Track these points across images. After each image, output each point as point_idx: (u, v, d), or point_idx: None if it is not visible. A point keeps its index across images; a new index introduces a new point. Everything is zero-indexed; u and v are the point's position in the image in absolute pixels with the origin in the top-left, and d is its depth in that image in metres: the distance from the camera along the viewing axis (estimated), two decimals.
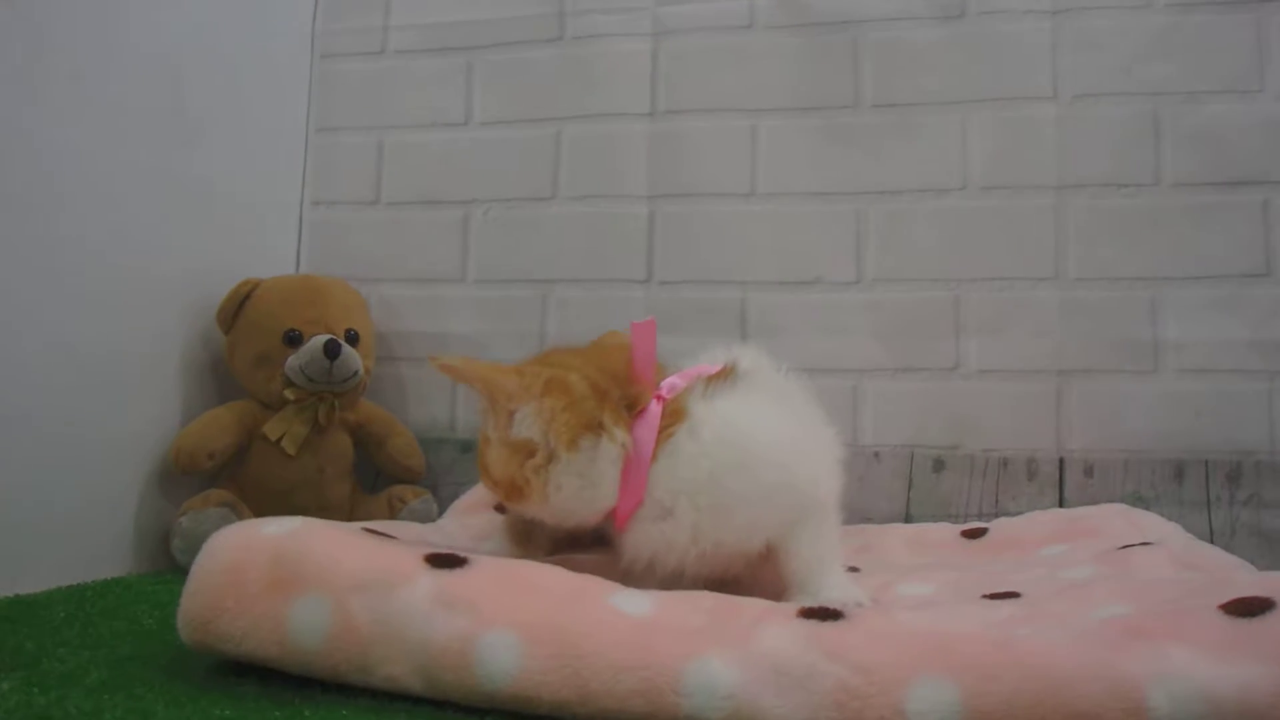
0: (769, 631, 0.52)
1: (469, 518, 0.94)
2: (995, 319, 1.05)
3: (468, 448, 1.14)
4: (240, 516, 0.94)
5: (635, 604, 0.55)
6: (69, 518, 0.85)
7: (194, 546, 0.88)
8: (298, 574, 0.55)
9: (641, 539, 0.63)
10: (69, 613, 0.72)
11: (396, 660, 0.52)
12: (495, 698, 0.50)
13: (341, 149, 1.21)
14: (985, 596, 0.67)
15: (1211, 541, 0.97)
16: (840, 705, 0.47)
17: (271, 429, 1.00)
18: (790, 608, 0.55)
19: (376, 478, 1.11)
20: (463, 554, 0.58)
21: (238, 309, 1.03)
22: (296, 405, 1.01)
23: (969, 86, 1.06)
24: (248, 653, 0.54)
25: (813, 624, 0.52)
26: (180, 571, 0.91)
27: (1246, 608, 0.50)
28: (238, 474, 1.01)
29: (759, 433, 0.64)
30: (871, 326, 1.07)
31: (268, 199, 1.17)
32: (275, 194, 1.18)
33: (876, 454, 1.06)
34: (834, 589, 0.62)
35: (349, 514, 1.05)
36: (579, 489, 0.62)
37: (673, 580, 0.63)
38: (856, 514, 1.03)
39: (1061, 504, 1.01)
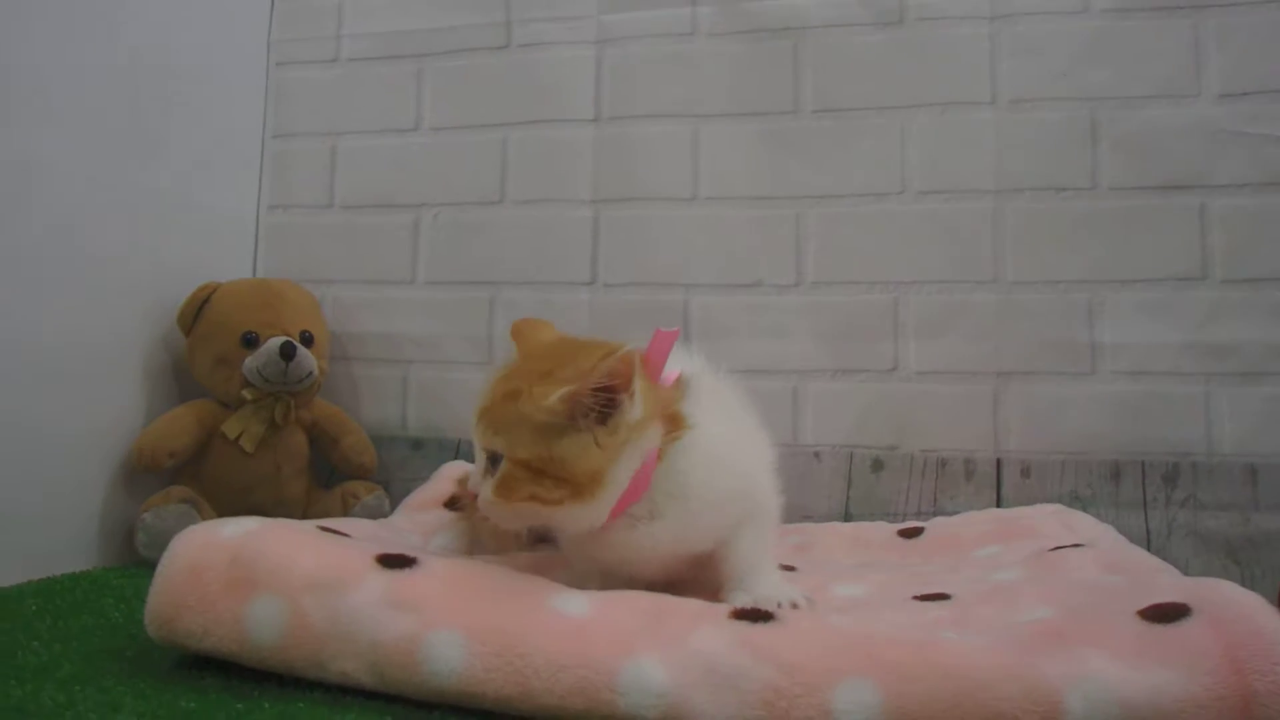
0: (702, 632, 0.54)
1: (420, 514, 0.97)
2: (934, 321, 1.06)
3: (418, 445, 1.16)
4: (201, 512, 0.97)
5: (574, 605, 0.57)
6: (35, 513, 0.87)
7: (157, 541, 0.93)
8: (253, 575, 0.57)
9: (627, 538, 0.62)
10: (39, 606, 0.75)
11: (349, 657, 0.55)
12: (443, 693, 0.53)
13: (296, 154, 1.23)
14: (915, 598, 0.69)
15: (1148, 542, 0.98)
16: (768, 704, 0.49)
17: (230, 428, 1.03)
18: (723, 609, 0.57)
19: (331, 474, 1.14)
20: (412, 554, 0.60)
21: (197, 312, 1.06)
22: (254, 405, 1.04)
23: (908, 92, 1.07)
24: (209, 649, 0.57)
25: (744, 625, 0.55)
26: (145, 566, 0.94)
27: (1163, 614, 0.52)
28: (198, 471, 1.03)
29: (731, 440, 0.66)
30: (811, 328, 1.08)
31: (225, 204, 1.20)
32: (233, 199, 1.21)
33: (816, 454, 1.07)
34: (768, 587, 0.64)
35: (305, 509, 1.07)
36: (620, 484, 0.59)
37: (631, 580, 0.64)
38: (796, 512, 1.04)
39: (999, 504, 1.02)
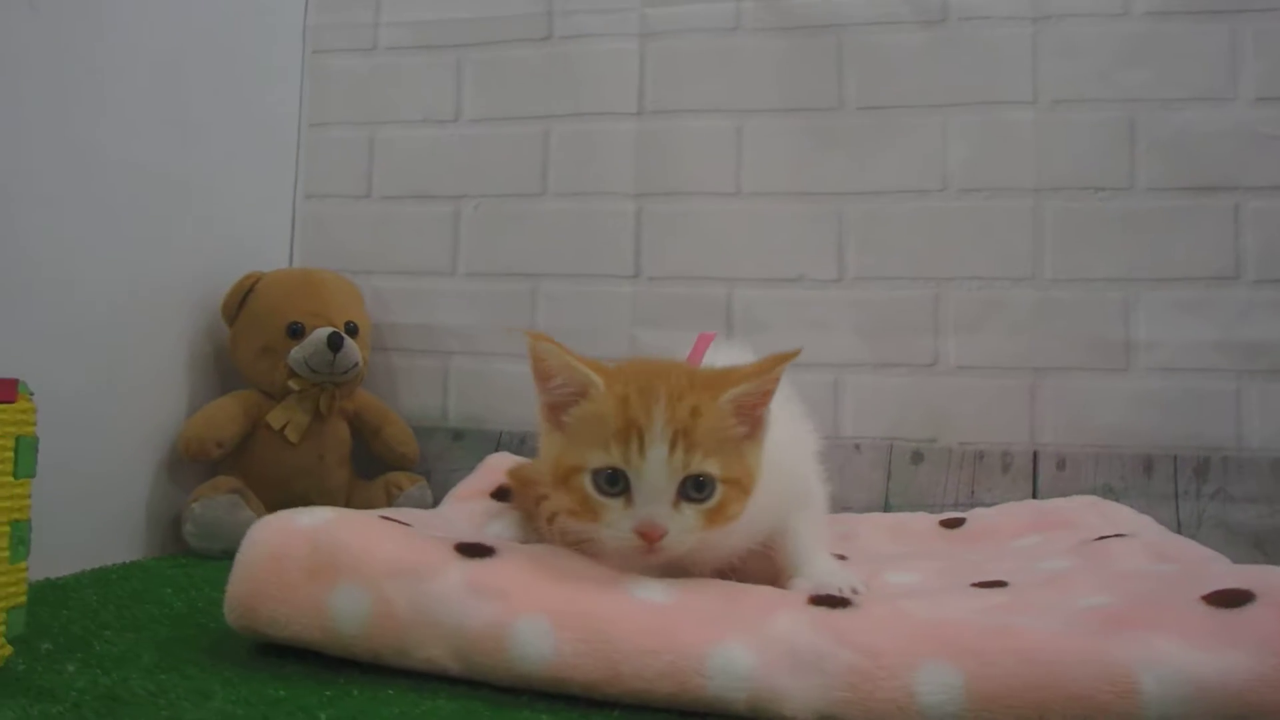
0: (781, 618, 0.55)
1: (468, 504, 0.97)
2: (973, 317, 1.08)
3: (459, 435, 1.17)
4: (248, 503, 0.98)
5: (655, 592, 0.57)
6: (83, 504, 0.87)
7: (205, 531, 0.94)
8: (335, 563, 0.57)
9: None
10: (100, 596, 0.75)
11: (434, 644, 0.55)
12: (530, 679, 0.53)
13: (333, 143, 1.22)
14: (974, 585, 0.70)
15: (1179, 533, 1.01)
16: (853, 686, 0.50)
17: (275, 418, 1.03)
18: (799, 596, 0.58)
19: (371, 465, 1.14)
20: (490, 544, 0.60)
21: (241, 302, 1.05)
22: (299, 395, 1.04)
23: (950, 90, 1.09)
24: (291, 636, 0.57)
25: (822, 611, 0.56)
26: (193, 555, 0.95)
27: (1228, 599, 0.53)
28: (241, 461, 1.03)
29: (783, 433, 0.66)
30: (852, 323, 1.09)
31: (262, 193, 1.19)
32: (269, 188, 1.20)
33: (857, 446, 1.09)
34: (827, 574, 0.65)
35: (347, 500, 1.08)
36: None
37: (686, 572, 0.64)
38: (837, 503, 1.04)
39: (1035, 496, 1.04)
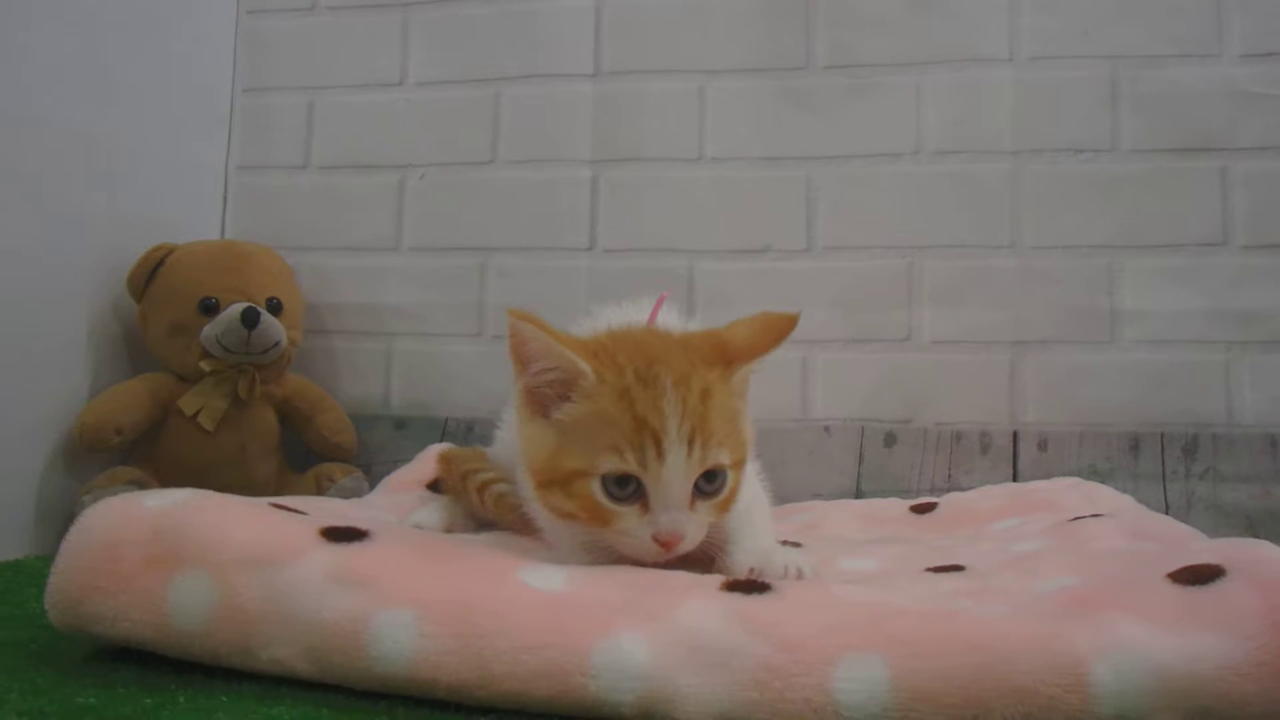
0: (690, 606, 0.48)
1: (400, 494, 0.89)
2: (950, 288, 1.01)
3: (402, 424, 1.09)
4: None
5: (548, 579, 0.51)
6: None
7: None
8: (178, 549, 0.50)
9: None
10: None
11: (283, 642, 0.48)
12: (390, 681, 0.46)
13: (270, 110, 1.14)
14: (929, 570, 0.64)
15: (1167, 515, 0.95)
16: (761, 685, 0.44)
17: (187, 403, 0.95)
18: (715, 580, 0.51)
19: (307, 457, 1.06)
20: (365, 527, 0.53)
21: (150, 276, 0.97)
22: (214, 378, 0.95)
23: (924, 48, 1.03)
24: (121, 635, 0.49)
25: (737, 597, 0.48)
26: None
27: (1196, 575, 0.48)
28: (152, 451, 0.95)
29: None
30: (822, 296, 1.03)
31: (190, 162, 1.11)
32: (198, 157, 1.12)
33: (827, 428, 1.02)
34: (764, 553, 0.58)
35: (275, 493, 0.99)
36: None
37: (622, 559, 0.58)
38: (805, 489, 0.99)
39: (1015, 478, 0.98)
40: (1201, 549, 0.54)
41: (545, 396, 0.54)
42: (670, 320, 0.65)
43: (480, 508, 0.72)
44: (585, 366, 0.53)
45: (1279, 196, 0.96)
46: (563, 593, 0.49)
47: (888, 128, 1.03)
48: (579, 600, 0.49)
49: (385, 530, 0.54)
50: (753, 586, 0.50)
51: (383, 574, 0.49)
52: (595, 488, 0.53)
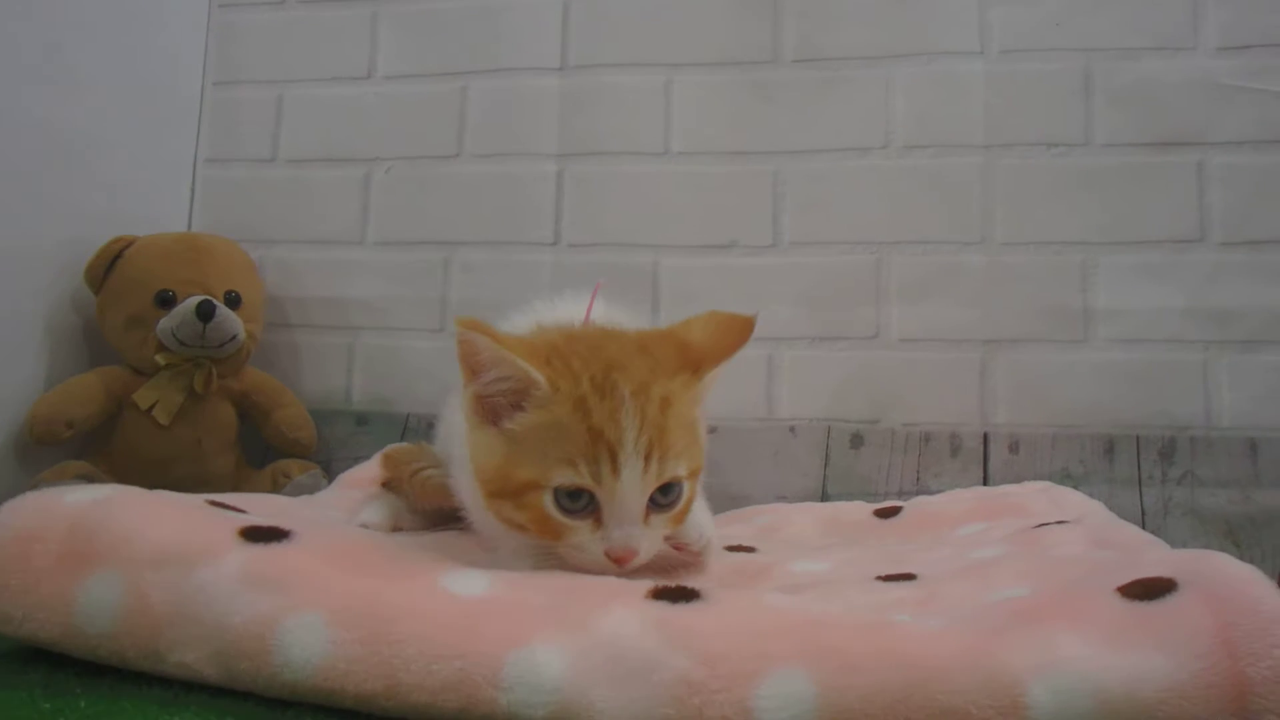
0: (612, 615, 0.45)
1: (354, 491, 0.88)
2: (919, 285, 0.99)
3: (363, 420, 1.07)
4: None
5: (471, 584, 0.49)
6: None
7: None
8: (92, 548, 0.48)
9: None
10: None
11: (191, 645, 0.46)
12: (296, 688, 0.44)
13: (239, 103, 1.14)
14: (879, 578, 0.62)
15: (1142, 522, 0.92)
16: (679, 701, 0.41)
17: (142, 397, 0.93)
18: (643, 587, 0.49)
19: (267, 452, 1.04)
20: (289, 527, 0.51)
21: (108, 268, 0.96)
22: (170, 371, 0.94)
23: (894, 40, 1.01)
24: (29, 635, 0.47)
25: (662, 606, 0.46)
26: None
27: (1147, 590, 0.45)
28: (107, 445, 0.94)
29: None
30: (789, 292, 1.01)
31: (158, 155, 1.10)
32: (166, 150, 1.12)
33: (792, 428, 1.00)
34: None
35: (233, 488, 0.98)
36: None
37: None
38: (770, 492, 0.97)
39: (986, 481, 0.95)
40: (1156, 560, 0.51)
41: (497, 405, 0.53)
42: (610, 314, 0.62)
43: (416, 497, 0.71)
44: (539, 376, 0.51)
45: (1257, 191, 0.94)
46: (482, 599, 0.47)
47: (856, 122, 1.01)
48: (498, 607, 0.47)
49: (310, 530, 0.52)
50: (680, 594, 0.47)
51: (295, 576, 0.47)
52: (547, 500, 0.51)
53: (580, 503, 0.51)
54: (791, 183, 1.02)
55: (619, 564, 0.52)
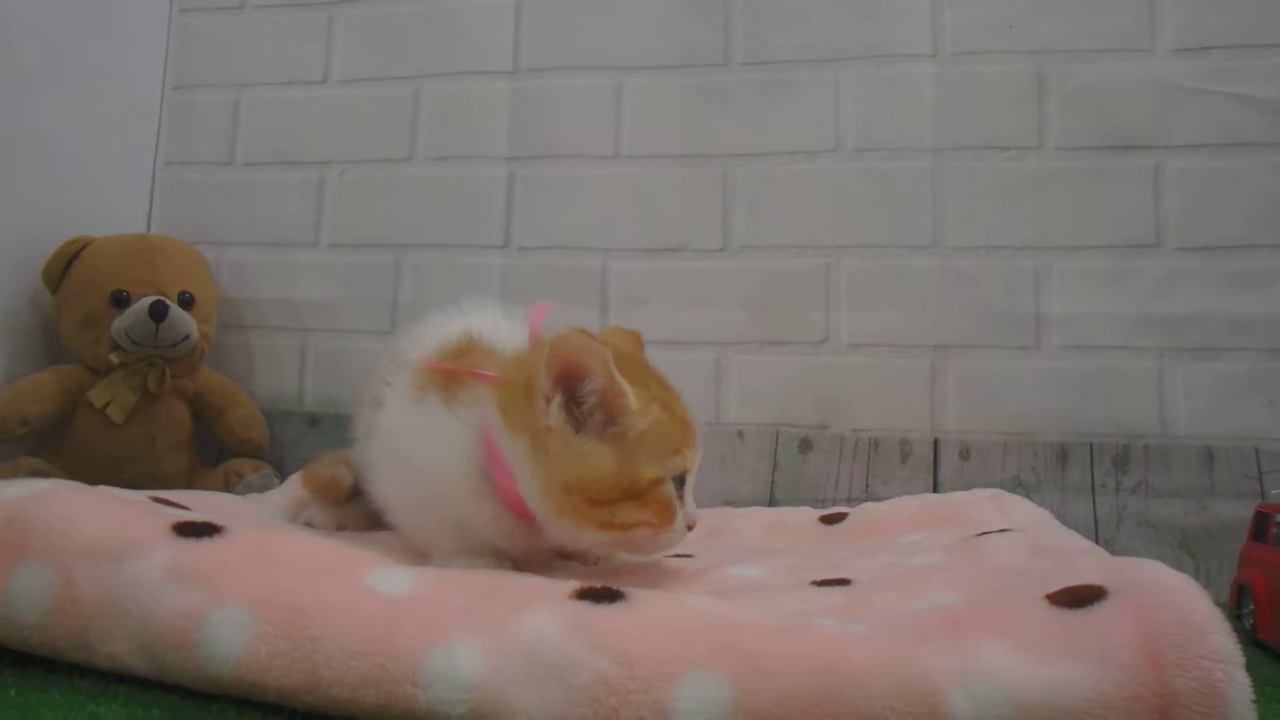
0: (533, 614, 0.46)
1: (304, 491, 0.88)
2: (868, 289, 0.98)
3: (315, 421, 1.08)
4: None
5: (396, 581, 0.50)
6: None
7: None
8: (25, 540, 0.50)
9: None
10: None
11: (120, 637, 0.47)
12: (221, 681, 0.45)
13: (197, 107, 1.15)
14: (814, 583, 0.61)
15: (1095, 532, 0.90)
16: (596, 702, 0.42)
17: (96, 395, 0.94)
18: (567, 587, 0.50)
19: (221, 452, 1.05)
20: (221, 523, 0.52)
21: (65, 268, 0.97)
22: (124, 370, 0.95)
23: (844, 43, 1.00)
24: None
25: (584, 606, 0.47)
26: None
27: (1075, 597, 0.44)
28: (61, 443, 0.95)
29: None
30: (737, 296, 1.00)
31: (116, 158, 1.11)
32: (125, 153, 1.13)
33: (740, 433, 0.99)
34: None
35: (187, 487, 0.98)
36: None
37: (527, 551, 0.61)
38: (717, 497, 0.96)
39: (936, 488, 0.94)
40: (1089, 568, 0.50)
41: (587, 415, 0.55)
42: (496, 324, 0.63)
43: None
44: (626, 385, 0.55)
45: (1213, 196, 0.92)
46: (405, 596, 0.48)
47: (806, 125, 1.00)
48: (420, 605, 0.47)
49: (243, 527, 0.53)
50: (603, 594, 0.48)
51: (222, 571, 0.48)
52: (669, 490, 0.56)
53: (680, 486, 0.57)
54: (741, 186, 1.01)
55: (689, 530, 0.58)
